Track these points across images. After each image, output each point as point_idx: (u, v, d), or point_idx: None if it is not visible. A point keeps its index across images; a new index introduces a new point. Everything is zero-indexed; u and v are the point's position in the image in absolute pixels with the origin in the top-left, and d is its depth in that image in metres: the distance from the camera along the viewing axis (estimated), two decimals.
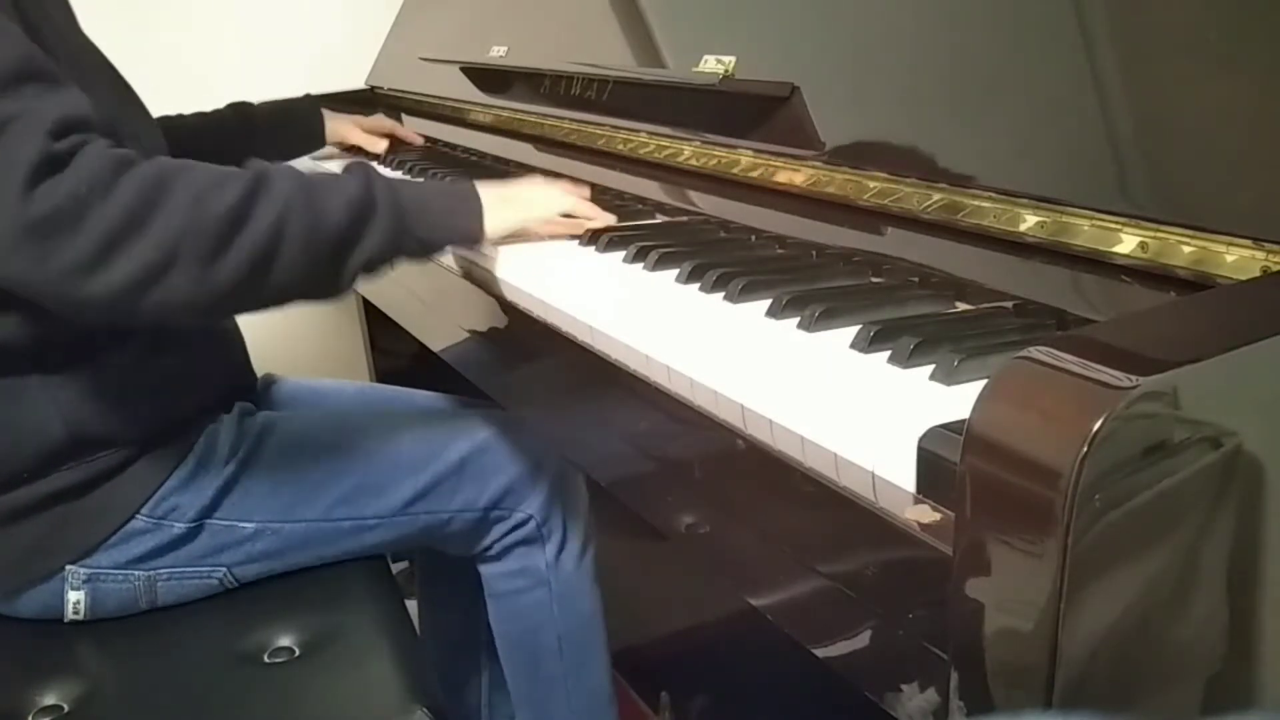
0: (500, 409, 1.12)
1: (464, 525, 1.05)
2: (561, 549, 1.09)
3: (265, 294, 0.82)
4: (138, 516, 0.93)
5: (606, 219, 1.00)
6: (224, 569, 0.97)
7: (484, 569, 1.11)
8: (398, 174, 1.37)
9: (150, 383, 0.94)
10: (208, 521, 0.96)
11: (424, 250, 0.92)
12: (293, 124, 1.45)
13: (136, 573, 0.94)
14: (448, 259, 1.07)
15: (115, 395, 0.92)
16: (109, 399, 0.91)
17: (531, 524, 1.07)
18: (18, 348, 0.88)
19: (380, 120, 1.58)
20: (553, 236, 0.98)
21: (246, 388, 1.11)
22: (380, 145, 1.53)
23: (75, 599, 0.93)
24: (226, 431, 0.97)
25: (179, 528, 0.94)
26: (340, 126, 1.50)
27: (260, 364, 1.16)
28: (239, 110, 1.38)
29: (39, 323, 0.87)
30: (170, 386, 0.95)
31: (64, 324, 0.87)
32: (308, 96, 1.51)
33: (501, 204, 0.95)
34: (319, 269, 0.83)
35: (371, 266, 0.87)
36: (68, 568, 0.92)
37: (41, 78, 0.76)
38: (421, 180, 1.27)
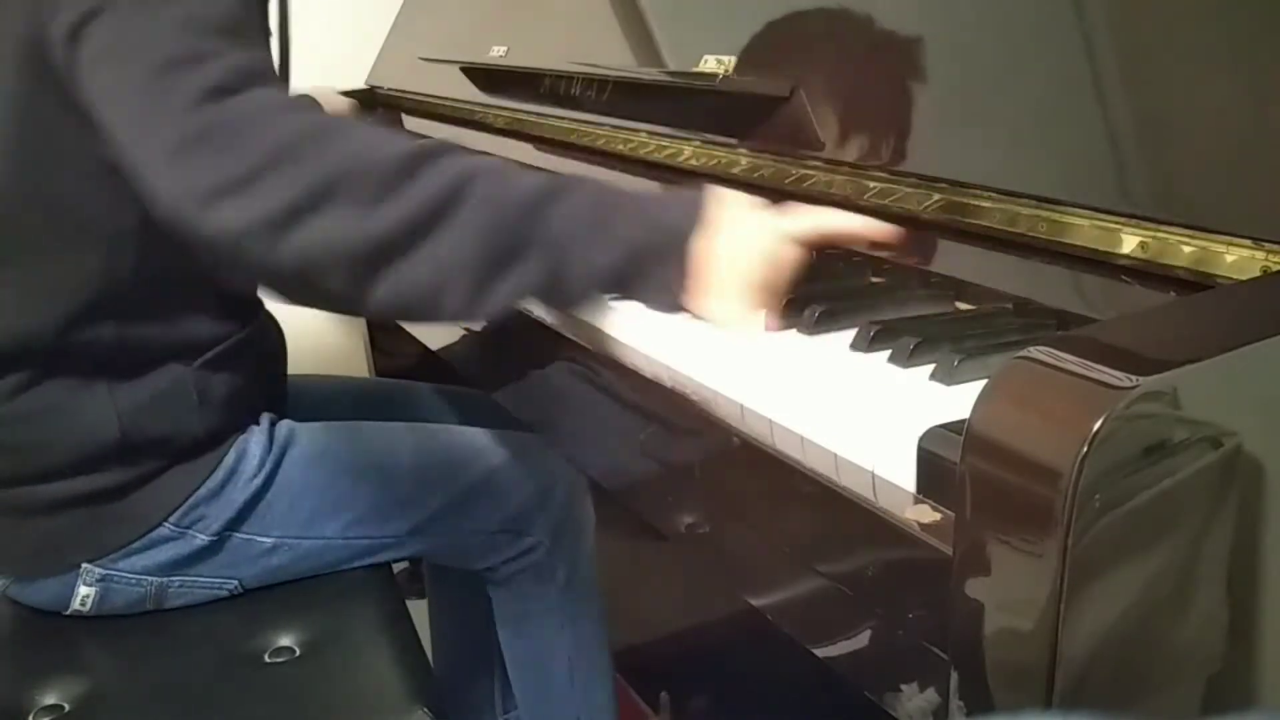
0: (502, 414, 1.12)
1: (474, 546, 1.06)
2: (571, 573, 1.09)
3: (419, 271, 0.67)
4: (165, 524, 0.92)
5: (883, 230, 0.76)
6: (236, 581, 0.97)
7: (493, 592, 1.11)
8: None
9: (206, 395, 0.93)
10: (231, 535, 0.95)
11: (632, 286, 0.71)
12: None
13: (151, 578, 0.94)
14: None
15: (171, 404, 0.91)
16: (165, 407, 0.91)
17: (541, 549, 1.07)
18: (95, 352, 0.88)
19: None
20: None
21: (278, 398, 1.11)
22: None
23: (85, 594, 0.93)
24: (256, 443, 0.97)
25: (201, 539, 0.94)
26: None
27: None
28: None
29: (128, 331, 0.87)
30: (223, 400, 0.95)
31: (156, 338, 0.89)
32: (306, 97, 1.48)
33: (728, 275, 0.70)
34: (487, 262, 0.67)
35: (554, 290, 0.70)
36: (84, 565, 0.92)
37: (241, 35, 0.74)
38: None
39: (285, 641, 0.94)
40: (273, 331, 1.07)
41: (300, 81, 1.55)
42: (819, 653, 0.64)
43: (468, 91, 1.56)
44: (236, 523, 0.95)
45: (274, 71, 0.79)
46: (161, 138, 0.69)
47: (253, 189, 0.66)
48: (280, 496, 0.97)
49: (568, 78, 1.29)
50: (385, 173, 0.67)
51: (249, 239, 0.67)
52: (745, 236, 0.70)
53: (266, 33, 0.85)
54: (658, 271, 0.69)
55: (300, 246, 0.67)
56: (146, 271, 0.86)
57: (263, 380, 1.03)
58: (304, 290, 0.72)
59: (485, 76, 1.53)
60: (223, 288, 0.94)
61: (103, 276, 0.86)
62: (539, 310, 0.88)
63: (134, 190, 0.71)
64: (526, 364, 1.03)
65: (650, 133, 1.11)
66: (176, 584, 0.95)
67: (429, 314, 0.71)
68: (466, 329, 1.14)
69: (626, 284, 0.70)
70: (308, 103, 0.76)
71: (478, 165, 0.69)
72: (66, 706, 0.87)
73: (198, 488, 0.93)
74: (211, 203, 0.67)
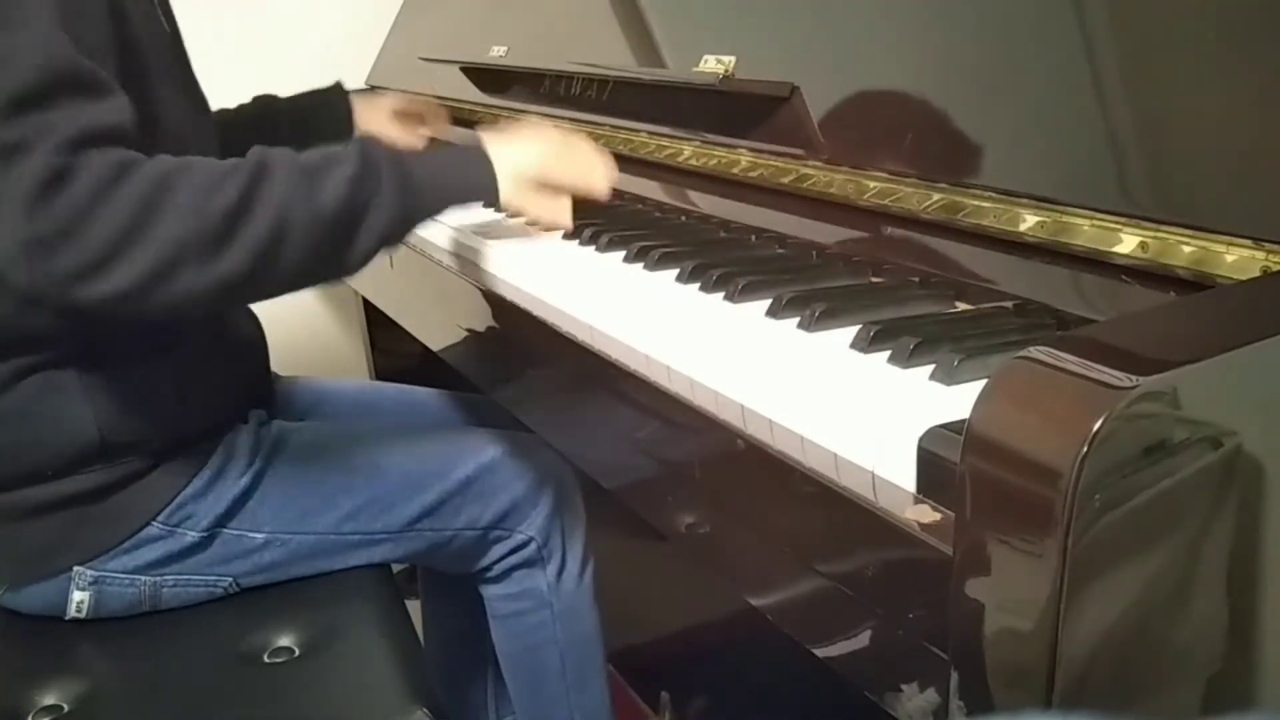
0: (492, 404, 1.12)
1: (466, 543, 1.06)
2: (562, 569, 1.10)
3: (273, 283, 0.82)
4: (153, 523, 0.93)
5: (613, 174, 0.98)
6: (230, 578, 0.98)
7: (485, 590, 1.12)
8: None
9: (187, 392, 0.94)
10: (220, 531, 0.96)
11: (440, 208, 0.90)
12: (316, 117, 1.34)
13: (143, 578, 0.94)
14: (446, 258, 1.07)
15: (149, 402, 0.92)
16: (143, 405, 0.91)
17: (533, 545, 1.07)
18: (62, 340, 0.88)
19: (414, 102, 1.42)
20: (573, 183, 0.95)
21: (264, 396, 1.11)
22: (418, 143, 1.38)
23: (79, 599, 0.93)
24: (243, 441, 0.97)
25: (191, 536, 0.94)
26: (373, 116, 1.36)
27: None
28: (262, 104, 1.33)
29: (96, 322, 0.87)
30: (204, 396, 0.95)
31: (120, 326, 0.88)
32: (336, 85, 1.38)
33: (507, 144, 0.92)
34: (325, 253, 0.82)
35: (385, 241, 0.85)
36: (75, 568, 0.92)
37: (77, 88, 0.75)
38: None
39: (285, 642, 0.94)
40: (248, 328, 1.07)
41: (301, 81, 1.55)
42: (819, 653, 0.64)
43: (468, 91, 1.56)
44: (226, 519, 0.96)
45: (120, 114, 0.78)
46: (7, 242, 0.73)
47: (107, 271, 0.74)
48: (271, 493, 0.98)
49: (568, 78, 1.29)
50: (220, 226, 0.77)
51: (117, 306, 0.75)
52: (527, 137, 0.95)
53: (101, 51, 0.81)
54: (460, 190, 0.91)
55: (165, 302, 0.76)
56: None
57: (243, 378, 1.04)
58: (171, 318, 0.86)
59: (485, 76, 1.53)
60: None
61: None
62: (539, 311, 0.88)
63: None
64: (526, 364, 1.03)
65: (650, 132, 1.11)
66: (170, 583, 0.95)
67: (299, 290, 0.85)
68: (467, 330, 1.14)
69: (442, 207, 0.91)
70: (130, 158, 0.76)
71: (290, 187, 0.80)
72: (66, 707, 0.87)
73: (185, 486, 0.94)
74: (71, 287, 0.74)
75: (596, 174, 0.97)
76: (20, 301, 0.84)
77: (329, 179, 0.82)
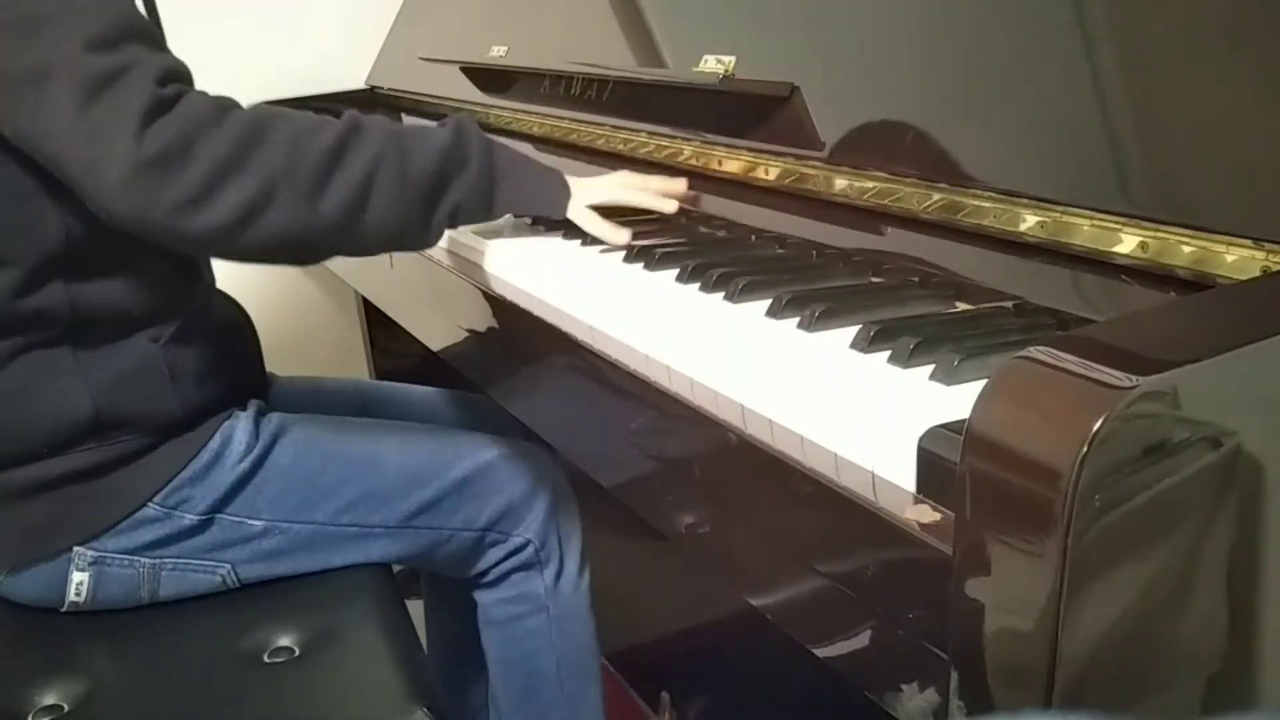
0: (491, 405, 1.12)
1: (462, 544, 1.06)
2: (560, 573, 1.10)
3: (360, 236, 0.86)
4: (149, 504, 0.93)
5: (685, 191, 1.03)
6: (228, 565, 0.98)
7: (480, 595, 1.11)
8: None
9: (178, 371, 0.94)
10: (218, 516, 0.96)
11: (511, 209, 0.97)
12: None
13: (142, 559, 0.95)
14: (446, 258, 1.07)
15: (143, 380, 0.93)
16: (137, 383, 0.92)
17: (530, 549, 1.08)
18: (59, 319, 0.89)
19: None
20: (642, 205, 1.01)
21: (262, 387, 1.11)
22: None
23: (79, 580, 0.94)
24: (242, 429, 0.98)
25: (189, 519, 0.95)
26: None
27: None
28: None
29: (82, 296, 0.89)
30: (196, 377, 0.96)
31: (106, 301, 0.91)
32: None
33: (589, 186, 0.99)
34: (410, 213, 0.87)
35: (459, 218, 0.91)
36: (75, 549, 0.93)
37: (147, 38, 0.82)
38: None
39: (285, 641, 0.94)
40: (233, 312, 1.09)
41: (300, 82, 1.55)
42: (819, 653, 0.64)
43: (468, 91, 1.56)
44: (223, 504, 0.96)
45: (185, 66, 0.84)
46: (113, 168, 0.77)
47: (209, 200, 0.79)
48: (269, 481, 0.98)
49: (568, 78, 1.29)
50: (316, 168, 0.82)
51: (213, 240, 0.81)
52: (607, 179, 1.02)
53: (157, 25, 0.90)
54: (539, 191, 0.97)
55: (256, 240, 0.82)
56: (78, 231, 0.88)
57: (235, 361, 1.04)
58: (263, 260, 0.89)
59: (485, 76, 1.53)
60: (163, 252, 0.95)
61: (46, 239, 0.87)
62: (539, 310, 0.88)
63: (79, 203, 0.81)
64: (526, 364, 1.03)
65: (650, 132, 1.11)
66: (169, 566, 0.96)
67: (379, 251, 0.92)
68: (467, 329, 1.14)
69: (521, 213, 1.01)
70: (228, 100, 0.83)
71: (384, 144, 0.85)
72: (66, 706, 0.87)
73: (182, 469, 0.94)
74: (173, 217, 0.79)
75: (664, 202, 1.01)
76: (112, 232, 0.83)
77: (421, 145, 0.88)
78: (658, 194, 1.01)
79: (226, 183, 0.79)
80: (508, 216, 1.05)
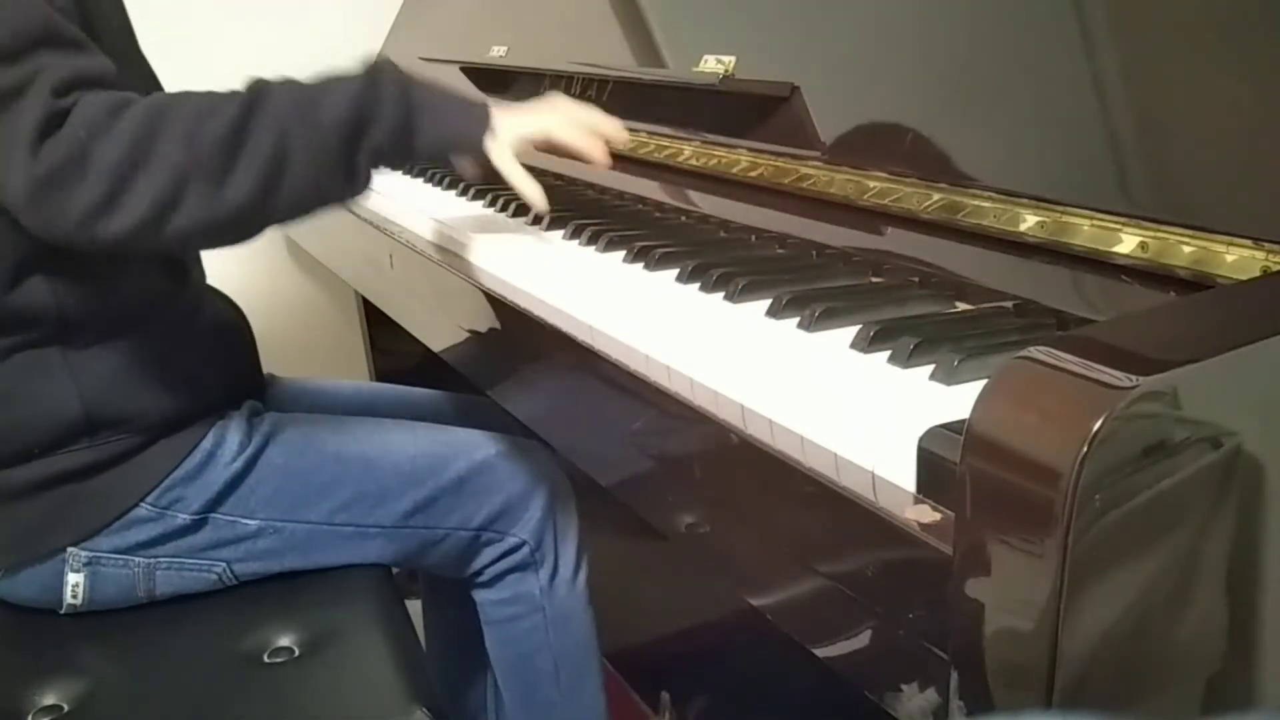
0: (491, 406, 1.12)
1: (457, 544, 1.06)
2: (555, 573, 1.10)
3: (284, 204, 0.83)
4: (142, 504, 0.93)
5: (623, 136, 0.98)
6: (224, 564, 0.98)
7: (478, 595, 1.11)
8: None
9: (169, 370, 0.94)
10: (211, 516, 0.96)
11: (436, 144, 0.91)
12: None
13: (136, 559, 0.95)
14: (446, 258, 1.07)
15: (134, 379, 0.93)
16: (127, 382, 0.92)
17: (525, 549, 1.07)
18: (45, 319, 0.89)
19: None
20: (572, 145, 0.96)
21: (256, 387, 1.11)
22: None
23: (74, 581, 0.94)
24: (235, 428, 0.98)
25: (183, 519, 0.95)
26: None
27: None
28: None
29: (68, 295, 0.89)
30: (187, 377, 0.96)
31: (92, 299, 0.90)
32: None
33: (515, 111, 0.95)
34: (331, 169, 0.84)
35: (381, 160, 0.87)
36: (69, 550, 0.93)
37: (59, 42, 0.79)
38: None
39: (284, 641, 0.94)
40: (228, 312, 1.08)
41: None
42: (819, 653, 0.64)
43: (467, 91, 1.56)
44: (216, 504, 0.96)
45: (103, 68, 0.81)
46: (16, 187, 0.76)
47: (116, 205, 0.77)
48: (263, 480, 0.98)
49: (568, 78, 1.29)
50: (220, 148, 0.79)
51: (132, 241, 0.79)
52: (535, 105, 0.97)
53: (75, 13, 0.85)
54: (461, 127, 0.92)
55: (176, 233, 0.79)
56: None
57: (228, 362, 1.04)
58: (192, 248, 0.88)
59: (485, 76, 1.53)
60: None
61: (21, 235, 0.85)
62: (539, 310, 0.88)
63: None
64: (526, 364, 1.03)
65: (650, 133, 1.11)
66: (164, 565, 0.96)
67: (310, 213, 0.87)
68: (467, 330, 1.14)
69: (447, 149, 0.94)
70: (124, 98, 0.80)
71: (289, 107, 0.82)
72: (66, 707, 0.87)
73: (174, 468, 0.94)
74: (84, 227, 0.77)
75: (597, 144, 0.96)
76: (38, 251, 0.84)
77: (331, 96, 0.84)
78: (591, 133, 0.96)
79: (130, 185, 0.76)
80: (507, 218, 1.05)
